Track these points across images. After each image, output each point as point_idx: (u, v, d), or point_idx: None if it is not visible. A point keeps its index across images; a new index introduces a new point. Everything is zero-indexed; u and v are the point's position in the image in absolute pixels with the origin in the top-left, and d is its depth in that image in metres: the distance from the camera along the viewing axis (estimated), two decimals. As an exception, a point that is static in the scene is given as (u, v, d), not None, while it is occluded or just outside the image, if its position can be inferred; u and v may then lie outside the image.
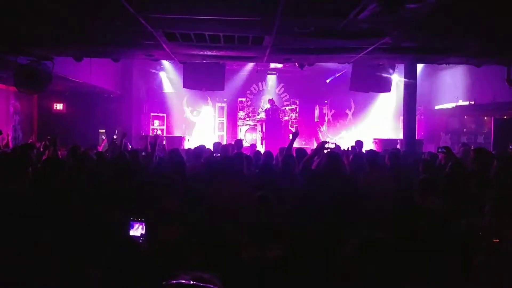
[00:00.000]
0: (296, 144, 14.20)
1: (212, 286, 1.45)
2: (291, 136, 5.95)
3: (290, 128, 15.71)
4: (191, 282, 1.44)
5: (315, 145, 13.95)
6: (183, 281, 1.44)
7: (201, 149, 7.08)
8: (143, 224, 2.99)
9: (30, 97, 12.74)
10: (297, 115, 16.75)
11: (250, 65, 15.08)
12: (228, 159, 4.77)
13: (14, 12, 5.00)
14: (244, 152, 7.30)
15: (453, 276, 2.81)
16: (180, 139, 13.46)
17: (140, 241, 2.92)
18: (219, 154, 7.03)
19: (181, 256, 2.88)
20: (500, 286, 2.51)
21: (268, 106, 15.54)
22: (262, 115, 15.74)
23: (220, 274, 1.53)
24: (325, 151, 5.22)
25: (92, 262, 2.18)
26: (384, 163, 6.26)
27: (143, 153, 6.69)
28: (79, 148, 6.76)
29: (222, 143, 9.47)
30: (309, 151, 6.54)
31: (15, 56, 7.53)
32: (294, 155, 5.68)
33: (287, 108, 16.58)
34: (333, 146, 5.23)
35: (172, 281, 1.45)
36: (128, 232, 2.96)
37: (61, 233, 2.91)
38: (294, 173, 5.51)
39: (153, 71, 15.09)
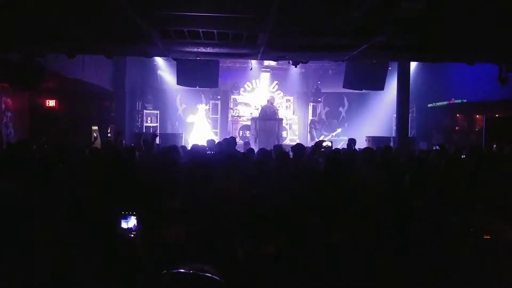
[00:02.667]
0: (290, 142, 14.27)
1: (210, 275, 1.48)
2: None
3: (284, 126, 15.72)
4: (191, 271, 1.47)
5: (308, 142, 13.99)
6: (183, 270, 1.47)
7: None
8: (135, 217, 2.96)
9: (22, 94, 12.63)
10: (291, 112, 16.78)
11: (244, 63, 15.06)
12: (220, 157, 4.78)
13: (6, 9, 4.96)
14: (238, 150, 7.31)
15: (445, 272, 2.84)
16: (174, 136, 13.45)
17: (132, 235, 2.90)
18: (213, 152, 7.02)
19: (182, 255, 2.88)
20: (491, 280, 2.55)
21: (265, 103, 15.57)
22: (256, 113, 15.74)
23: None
24: (322, 150, 5.27)
25: (86, 257, 2.18)
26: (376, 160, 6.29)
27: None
28: (65, 146, 6.76)
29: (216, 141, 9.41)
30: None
31: (7, 53, 7.47)
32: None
33: (280, 106, 16.59)
34: (329, 144, 5.28)
35: (172, 271, 1.48)
36: (120, 226, 2.94)
37: (54, 229, 2.91)
38: (289, 171, 5.53)
39: (147, 68, 15.03)
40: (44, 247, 2.66)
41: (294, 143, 8.01)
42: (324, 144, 5.28)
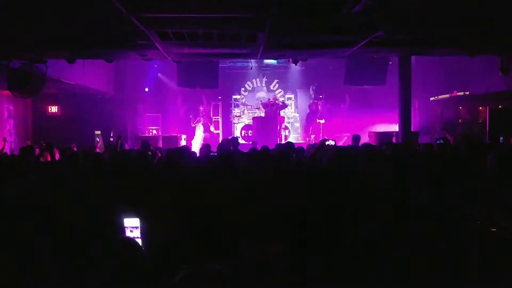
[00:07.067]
0: (291, 140, 14.24)
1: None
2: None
3: (286, 124, 15.73)
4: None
5: (312, 141, 13.97)
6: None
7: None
8: (139, 219, 2.97)
9: (24, 100, 12.67)
10: (292, 110, 16.77)
11: (244, 62, 15.06)
12: (223, 156, 4.77)
13: (6, 15, 4.97)
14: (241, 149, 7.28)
15: (453, 265, 2.82)
16: (176, 138, 13.44)
17: (136, 238, 2.90)
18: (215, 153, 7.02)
19: (178, 255, 2.88)
20: (497, 272, 2.54)
21: (264, 102, 15.60)
22: (259, 112, 15.73)
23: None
24: (327, 148, 5.26)
25: (90, 261, 2.18)
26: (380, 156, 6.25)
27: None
28: (70, 149, 6.79)
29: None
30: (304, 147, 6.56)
31: (7, 60, 7.48)
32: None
33: (281, 104, 16.56)
34: (332, 143, 5.28)
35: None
36: (124, 230, 2.95)
37: (58, 233, 2.90)
38: (291, 169, 5.51)
39: (147, 71, 15.04)
40: (46, 249, 2.66)
41: (296, 142, 8.06)
42: (327, 143, 5.27)
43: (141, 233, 2.88)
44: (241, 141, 12.19)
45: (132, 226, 2.90)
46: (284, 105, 15.37)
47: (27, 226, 2.77)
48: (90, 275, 1.87)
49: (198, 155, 6.98)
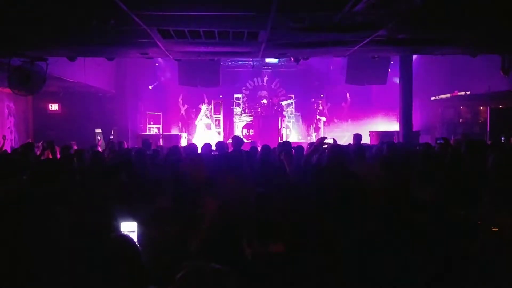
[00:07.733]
0: (293, 139, 14.25)
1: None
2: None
3: (287, 123, 15.73)
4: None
5: (313, 140, 13.96)
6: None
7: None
8: (135, 223, 2.95)
9: (25, 98, 12.68)
10: (293, 109, 16.75)
11: (245, 61, 15.05)
12: (226, 156, 4.78)
13: (6, 13, 4.96)
14: (244, 149, 7.28)
15: (453, 265, 2.82)
16: (177, 137, 13.45)
17: (133, 237, 2.88)
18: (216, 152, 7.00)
19: (178, 255, 2.88)
20: (498, 272, 2.54)
21: (265, 101, 15.58)
22: (260, 111, 15.74)
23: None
24: (325, 146, 5.23)
25: (87, 261, 2.17)
26: (377, 155, 6.24)
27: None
28: (69, 148, 6.81)
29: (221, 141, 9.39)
30: (304, 146, 6.55)
31: (8, 58, 7.48)
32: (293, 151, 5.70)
33: (283, 103, 16.57)
34: (331, 141, 5.23)
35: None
36: (120, 231, 2.94)
37: (58, 232, 2.90)
38: (292, 168, 5.51)
39: (148, 69, 15.02)
40: (45, 249, 2.66)
41: (297, 141, 8.05)
42: (327, 141, 5.22)
43: (138, 237, 2.86)
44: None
45: (129, 231, 2.87)
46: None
47: (25, 226, 2.76)
48: (89, 275, 1.86)
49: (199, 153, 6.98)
